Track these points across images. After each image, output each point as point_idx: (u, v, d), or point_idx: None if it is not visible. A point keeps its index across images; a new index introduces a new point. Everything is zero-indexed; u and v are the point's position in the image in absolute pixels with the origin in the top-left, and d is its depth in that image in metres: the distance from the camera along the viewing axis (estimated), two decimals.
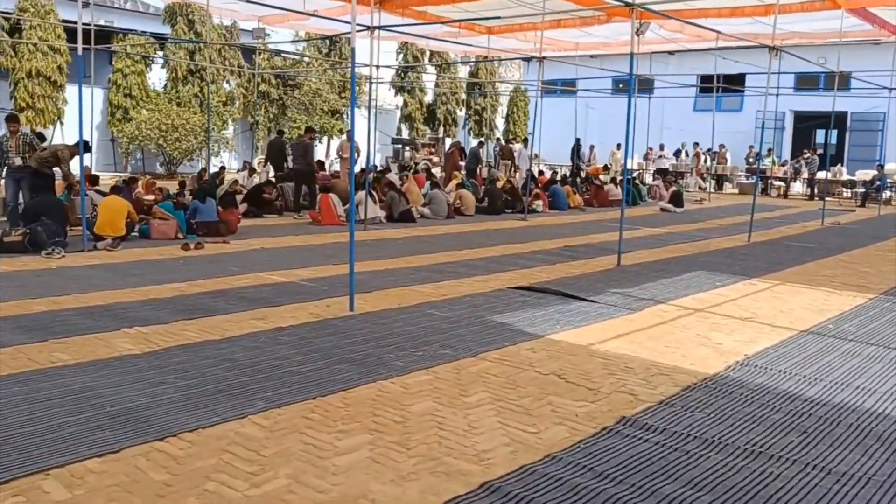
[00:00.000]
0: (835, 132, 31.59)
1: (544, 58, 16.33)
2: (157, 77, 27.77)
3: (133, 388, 4.72)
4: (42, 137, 13.27)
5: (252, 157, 29.63)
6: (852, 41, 20.18)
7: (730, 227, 16.22)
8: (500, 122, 37.33)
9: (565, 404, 4.74)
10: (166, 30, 27.16)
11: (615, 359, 5.78)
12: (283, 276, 8.66)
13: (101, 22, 26.74)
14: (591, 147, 30.18)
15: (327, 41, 30.53)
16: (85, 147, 12.45)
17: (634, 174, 25.68)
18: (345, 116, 31.22)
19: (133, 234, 11.42)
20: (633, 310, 7.57)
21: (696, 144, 29.26)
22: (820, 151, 28.44)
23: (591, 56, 29.16)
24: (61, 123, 23.90)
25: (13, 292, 7.36)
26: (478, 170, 23.19)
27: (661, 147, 29.19)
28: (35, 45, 22.62)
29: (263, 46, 29.19)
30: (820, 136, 34.37)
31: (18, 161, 10.90)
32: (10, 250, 9.62)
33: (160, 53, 27.25)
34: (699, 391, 5.08)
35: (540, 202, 18.30)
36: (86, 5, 28.40)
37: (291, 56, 30.95)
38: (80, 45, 10.60)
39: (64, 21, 23.18)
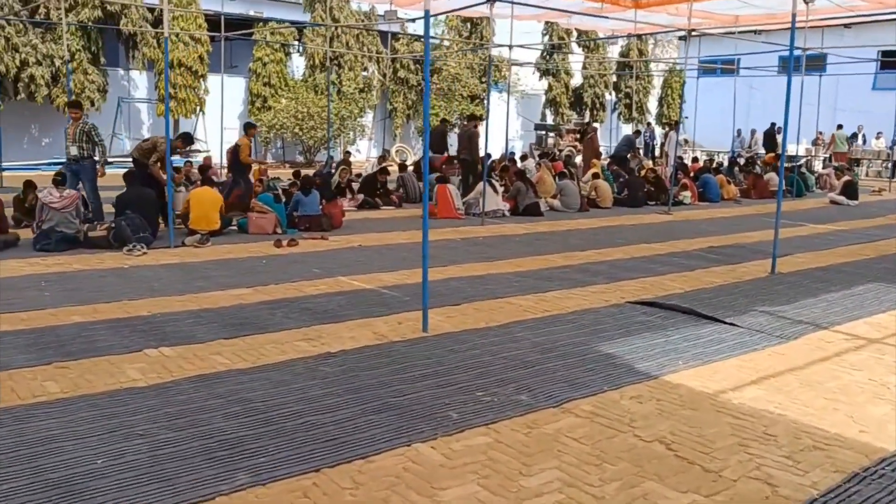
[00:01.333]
0: None
1: (693, 31, 14.41)
2: (296, 66, 27.66)
3: (100, 441, 3.71)
4: (190, 139, 12.75)
5: (391, 144, 29.09)
6: None
7: None
8: (653, 106, 34.91)
9: (666, 499, 3.31)
10: (307, 18, 26.94)
11: (752, 418, 4.25)
12: (366, 282, 7.57)
13: (251, 13, 26.92)
14: (753, 132, 27.50)
15: (468, 24, 29.43)
16: (188, 139, 11.96)
17: (801, 161, 23.00)
18: (486, 102, 30.02)
19: (231, 227, 10.75)
20: (785, 338, 5.90)
21: (820, 134, 26.10)
22: None
23: (755, 32, 26.46)
24: (203, 113, 24.09)
25: (63, 297, 6.65)
26: (629, 157, 21.25)
27: (839, 128, 26.03)
28: (177, 35, 22.82)
29: (402, 29, 28.52)
30: None
31: (74, 151, 10.31)
32: (94, 245, 9.09)
33: (298, 42, 26.98)
34: (872, 483, 3.50)
35: (688, 193, 16.38)
36: None
37: (432, 41, 30.13)
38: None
39: (205, 10, 23.35)
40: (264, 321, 6.01)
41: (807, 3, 16.67)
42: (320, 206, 11.21)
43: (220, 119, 19.47)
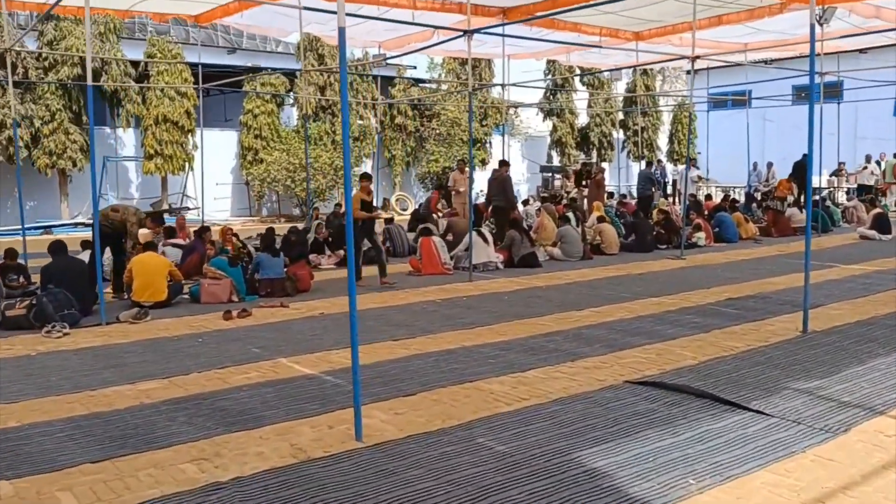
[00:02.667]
0: None
1: (697, 58, 13.19)
2: (290, 116, 26.73)
3: None
4: (161, 219, 11.63)
5: (391, 193, 28.02)
6: None
7: None
8: (663, 143, 33.63)
9: None
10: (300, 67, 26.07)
11: None
12: (310, 365, 6.25)
13: (250, 65, 26.04)
14: (770, 165, 26.13)
15: (465, 66, 28.47)
16: (160, 219, 10.82)
17: (824, 193, 21.60)
18: (487, 145, 28.90)
19: (184, 294, 9.52)
20: (831, 432, 4.51)
21: (842, 164, 24.69)
22: None
23: (765, 62, 25.29)
24: (191, 169, 23.03)
25: None
26: (653, 195, 19.81)
27: (868, 159, 24.56)
28: (162, 90, 21.93)
29: (400, 73, 27.56)
30: None
31: None
32: (14, 326, 7.87)
33: (290, 93, 25.98)
34: None
35: (702, 234, 15.01)
36: (231, 52, 28.12)
37: (428, 85, 29.12)
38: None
39: (191, 63, 22.53)
40: (157, 431, 4.71)
41: (821, 23, 15.57)
42: (285, 268, 9.96)
43: (201, 174, 18.46)
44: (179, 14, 16.51)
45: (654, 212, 16.04)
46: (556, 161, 31.32)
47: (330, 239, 13.18)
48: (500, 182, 13.93)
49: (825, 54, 18.48)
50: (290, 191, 23.60)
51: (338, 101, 25.39)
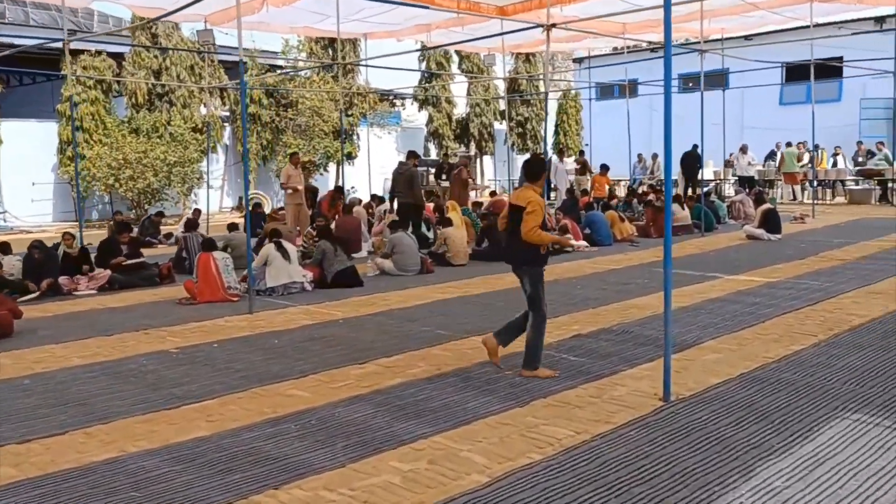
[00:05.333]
0: None
1: (553, 26, 10.87)
2: (119, 104, 23.26)
3: None
4: None
5: (245, 193, 24.93)
6: None
7: (861, 262, 10.41)
8: (548, 134, 31.65)
9: None
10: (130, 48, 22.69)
11: None
12: None
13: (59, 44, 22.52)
14: (655, 156, 24.43)
15: (329, 50, 25.70)
16: None
17: (708, 186, 19.85)
18: (355, 137, 26.21)
19: None
20: None
21: (731, 155, 22.87)
22: None
23: (651, 50, 23.45)
24: None
25: None
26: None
27: (744, 150, 23.00)
28: None
29: (253, 55, 24.51)
30: None
31: None
32: None
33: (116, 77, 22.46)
34: None
35: (569, 236, 12.74)
36: (73, 34, 24.38)
37: (286, 71, 26.17)
38: None
39: None
40: None
41: None
42: None
43: None
44: None
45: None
46: (433, 154, 28.95)
47: (91, 255, 10.23)
48: (407, 177, 12.60)
49: (706, 40, 16.63)
50: (114, 191, 20.29)
51: (174, 87, 22.21)
